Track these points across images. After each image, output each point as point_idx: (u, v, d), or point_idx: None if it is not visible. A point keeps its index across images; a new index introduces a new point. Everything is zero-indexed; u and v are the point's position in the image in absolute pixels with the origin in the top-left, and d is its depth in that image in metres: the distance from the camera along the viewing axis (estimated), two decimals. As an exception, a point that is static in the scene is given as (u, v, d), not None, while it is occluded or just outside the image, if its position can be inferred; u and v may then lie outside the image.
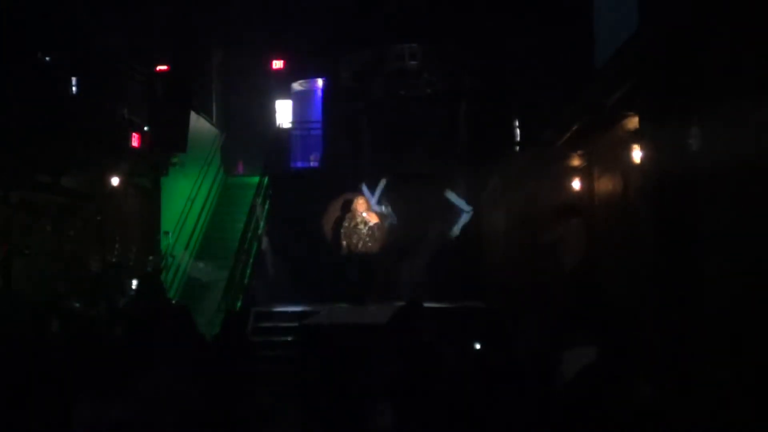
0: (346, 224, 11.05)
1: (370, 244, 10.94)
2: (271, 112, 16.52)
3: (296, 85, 16.97)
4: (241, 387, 4.66)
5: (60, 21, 9.68)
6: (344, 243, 10.97)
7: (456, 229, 13.72)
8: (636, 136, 6.19)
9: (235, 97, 16.06)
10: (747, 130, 4.29)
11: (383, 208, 13.41)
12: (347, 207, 12.75)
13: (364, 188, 13.50)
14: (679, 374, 4.81)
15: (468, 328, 5.39)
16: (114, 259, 10.68)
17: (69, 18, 10.05)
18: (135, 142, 11.01)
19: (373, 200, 13.11)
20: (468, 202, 14.02)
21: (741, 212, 4.55)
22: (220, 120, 16.01)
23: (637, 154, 6.12)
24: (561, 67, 9.01)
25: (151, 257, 11.45)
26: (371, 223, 11.00)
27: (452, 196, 13.59)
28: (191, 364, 4.20)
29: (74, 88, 9.99)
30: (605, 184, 7.84)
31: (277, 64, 15.55)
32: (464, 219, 13.81)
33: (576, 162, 8.75)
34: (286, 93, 16.73)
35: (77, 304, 8.81)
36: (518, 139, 12.19)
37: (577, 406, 3.22)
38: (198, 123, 13.85)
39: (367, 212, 11.12)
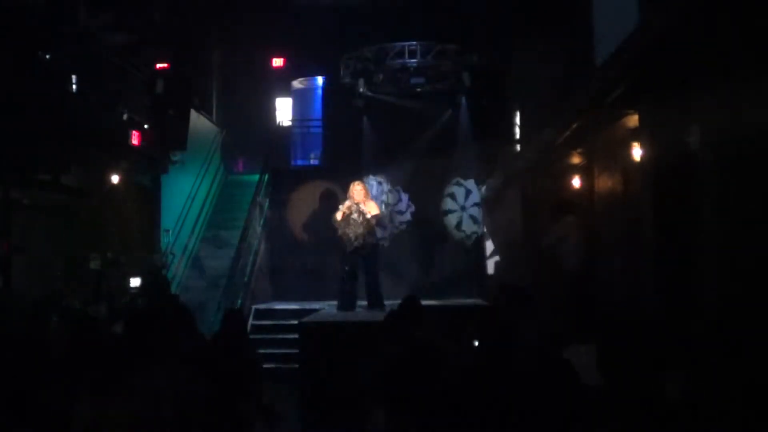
0: (340, 214, 9.55)
1: (367, 237, 9.49)
2: (271, 110, 16.53)
3: (296, 83, 16.98)
4: (241, 385, 4.66)
5: (60, 19, 9.67)
6: (340, 235, 9.58)
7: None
8: (636, 134, 6.19)
9: (235, 95, 16.03)
10: (746, 127, 4.29)
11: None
12: (332, 198, 12.72)
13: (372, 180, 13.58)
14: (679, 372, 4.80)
15: (468, 325, 5.39)
16: (114, 257, 10.69)
17: (69, 16, 10.04)
18: (135, 140, 11.00)
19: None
20: (468, 200, 14.07)
21: (741, 209, 4.55)
22: (221, 118, 15.99)
23: (637, 152, 6.12)
24: (561, 64, 9.00)
25: (153, 255, 11.44)
26: (368, 215, 9.45)
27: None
28: (190, 362, 4.20)
29: (74, 86, 9.98)
30: (605, 182, 7.84)
31: (278, 62, 15.55)
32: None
33: (576, 160, 8.75)
34: (287, 91, 16.74)
35: (77, 302, 8.82)
36: (518, 137, 12.19)
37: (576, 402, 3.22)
38: (198, 121, 13.84)
39: (364, 201, 9.56)
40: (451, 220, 13.98)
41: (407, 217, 14.15)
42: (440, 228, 14.03)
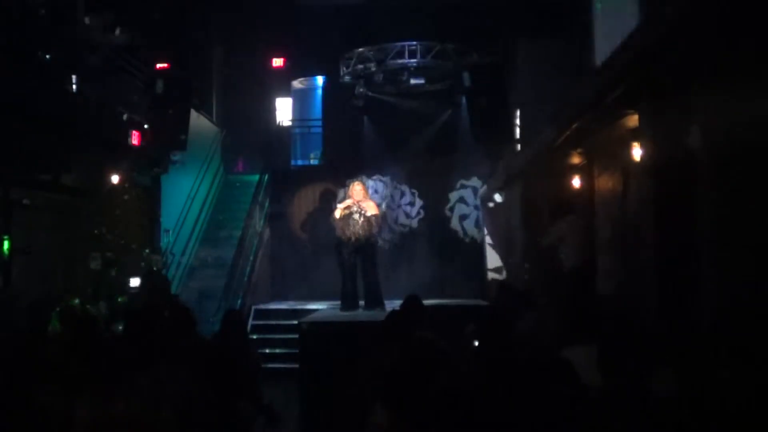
0: (339, 212, 9.43)
1: (366, 237, 9.38)
2: (271, 110, 16.53)
3: (296, 83, 16.99)
4: (241, 385, 4.66)
5: (60, 19, 9.67)
6: (338, 234, 9.46)
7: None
8: (636, 134, 6.19)
9: (235, 94, 16.04)
10: (746, 127, 4.29)
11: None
12: (332, 198, 12.74)
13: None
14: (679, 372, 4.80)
15: (468, 325, 5.39)
16: (114, 257, 10.69)
17: (69, 16, 10.04)
18: (135, 139, 11.01)
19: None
20: (467, 201, 14.10)
21: (741, 209, 4.55)
22: (221, 118, 16.00)
23: (637, 152, 6.12)
24: (561, 64, 9.00)
25: (154, 255, 11.45)
26: (368, 214, 9.34)
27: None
28: (190, 362, 4.20)
29: (74, 86, 9.98)
30: (605, 182, 7.84)
31: (278, 62, 15.55)
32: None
33: (576, 160, 8.75)
34: (287, 91, 16.75)
35: (77, 302, 8.82)
36: (518, 137, 12.19)
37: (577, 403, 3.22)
38: (198, 121, 13.84)
39: (364, 200, 9.48)
40: (462, 219, 14.02)
41: (417, 210, 14.19)
42: (441, 227, 14.05)
